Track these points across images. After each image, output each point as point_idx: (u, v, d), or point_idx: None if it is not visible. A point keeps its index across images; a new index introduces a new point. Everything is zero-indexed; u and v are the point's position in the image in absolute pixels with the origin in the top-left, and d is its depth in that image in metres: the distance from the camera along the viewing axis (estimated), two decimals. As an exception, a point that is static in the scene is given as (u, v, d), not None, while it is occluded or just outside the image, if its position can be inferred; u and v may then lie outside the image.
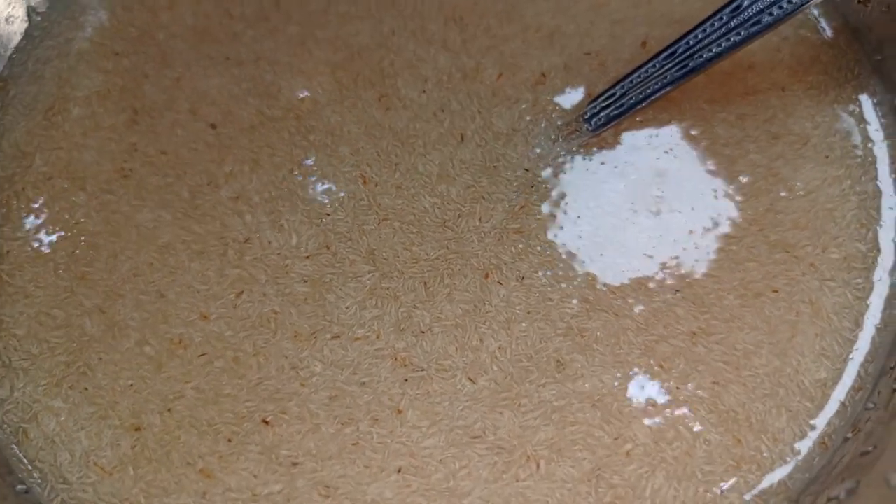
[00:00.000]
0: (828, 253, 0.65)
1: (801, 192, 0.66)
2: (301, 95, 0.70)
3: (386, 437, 0.58)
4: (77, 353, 0.60)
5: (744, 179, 0.67)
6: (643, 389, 0.60)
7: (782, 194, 0.66)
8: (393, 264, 0.64)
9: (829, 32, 0.73)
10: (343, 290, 0.63)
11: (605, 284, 0.63)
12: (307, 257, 0.64)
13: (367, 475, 0.57)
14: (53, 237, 0.64)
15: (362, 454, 0.58)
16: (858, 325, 0.63)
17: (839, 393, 0.61)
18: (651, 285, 0.63)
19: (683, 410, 0.60)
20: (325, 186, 0.67)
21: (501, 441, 0.59)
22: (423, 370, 0.60)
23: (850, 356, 0.62)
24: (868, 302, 0.64)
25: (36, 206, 0.65)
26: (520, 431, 0.59)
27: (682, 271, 0.64)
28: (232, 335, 0.61)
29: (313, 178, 0.67)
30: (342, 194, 0.66)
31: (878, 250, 0.65)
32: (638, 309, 0.62)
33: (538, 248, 0.64)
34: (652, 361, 0.61)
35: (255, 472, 0.57)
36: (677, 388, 0.60)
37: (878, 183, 0.67)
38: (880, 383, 0.62)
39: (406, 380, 0.60)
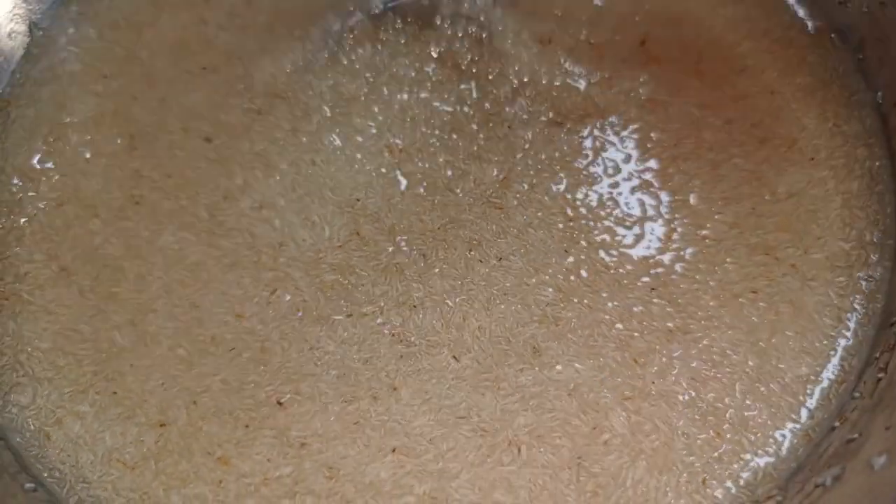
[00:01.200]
0: (810, 254, 0.66)
1: (784, 195, 0.68)
2: (272, 73, 0.71)
3: (383, 414, 0.62)
4: (105, 363, 0.63)
5: (726, 184, 0.69)
6: (619, 382, 0.63)
7: (766, 198, 0.68)
8: (407, 237, 0.66)
9: (814, 32, 0.73)
10: (364, 270, 0.66)
11: (579, 276, 0.66)
12: (339, 247, 0.66)
13: (367, 455, 0.61)
14: (74, 261, 0.66)
15: (362, 433, 0.61)
16: (841, 321, 0.64)
17: (822, 387, 0.63)
18: (625, 282, 0.66)
19: (661, 405, 0.62)
20: (352, 167, 0.68)
21: (485, 423, 0.62)
22: (414, 346, 0.63)
23: (832, 352, 0.64)
24: (851, 299, 0.65)
25: (51, 230, 0.68)
26: (500, 415, 0.62)
27: (658, 270, 0.66)
28: (262, 328, 0.64)
29: (337, 162, 0.68)
30: (369, 169, 0.68)
31: (862, 248, 0.67)
32: (612, 304, 0.65)
33: (514, 231, 0.67)
34: (627, 355, 0.64)
35: (268, 455, 0.61)
36: (653, 382, 0.63)
37: (862, 181, 0.68)
38: (865, 374, 0.63)
39: (401, 356, 0.63)
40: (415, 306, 0.64)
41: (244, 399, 0.62)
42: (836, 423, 0.61)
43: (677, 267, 0.66)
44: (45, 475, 0.60)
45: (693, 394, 0.62)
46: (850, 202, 0.68)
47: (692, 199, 0.68)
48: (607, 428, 0.62)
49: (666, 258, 0.66)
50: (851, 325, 0.64)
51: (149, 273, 0.66)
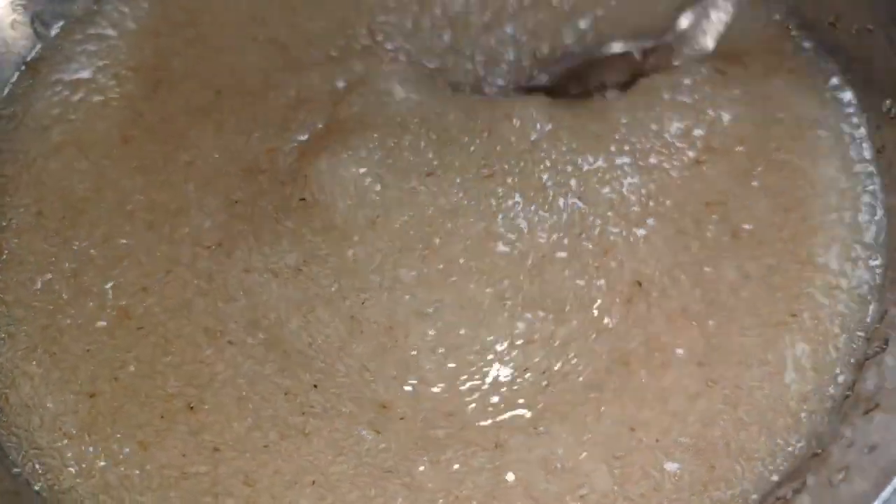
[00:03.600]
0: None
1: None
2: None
3: (293, 452, 0.56)
4: (52, 316, 0.61)
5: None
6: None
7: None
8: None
9: (810, 52, 0.69)
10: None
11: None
12: (209, 247, 0.62)
13: (282, 481, 0.55)
14: (52, 204, 0.65)
15: (273, 460, 0.56)
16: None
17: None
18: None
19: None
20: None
21: (419, 484, 0.54)
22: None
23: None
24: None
25: (43, 175, 0.66)
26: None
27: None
28: (161, 312, 0.60)
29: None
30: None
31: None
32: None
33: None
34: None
35: (183, 451, 0.56)
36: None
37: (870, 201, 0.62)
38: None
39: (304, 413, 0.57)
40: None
41: (156, 388, 0.58)
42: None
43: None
44: (5, 440, 0.59)
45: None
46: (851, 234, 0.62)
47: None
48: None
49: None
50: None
51: (101, 219, 0.64)
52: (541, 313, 0.58)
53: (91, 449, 0.58)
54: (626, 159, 0.63)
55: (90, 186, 0.65)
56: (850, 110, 0.65)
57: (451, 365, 0.57)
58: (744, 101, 0.65)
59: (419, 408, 0.56)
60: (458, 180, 0.61)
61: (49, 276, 0.63)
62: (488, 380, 0.57)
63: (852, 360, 0.58)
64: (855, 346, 0.58)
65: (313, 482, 0.55)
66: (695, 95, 0.65)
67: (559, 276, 0.59)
